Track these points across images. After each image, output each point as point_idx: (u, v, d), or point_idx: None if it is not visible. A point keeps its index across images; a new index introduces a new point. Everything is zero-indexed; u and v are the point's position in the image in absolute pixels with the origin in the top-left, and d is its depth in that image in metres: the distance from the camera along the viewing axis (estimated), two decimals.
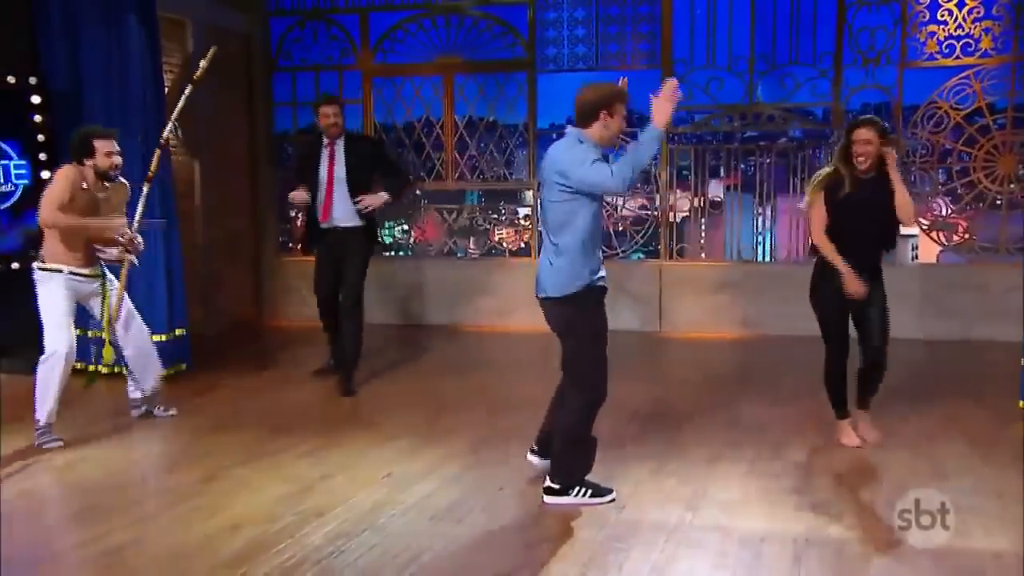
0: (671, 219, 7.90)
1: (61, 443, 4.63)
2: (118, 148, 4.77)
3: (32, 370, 4.74)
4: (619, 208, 8.14)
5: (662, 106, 3.49)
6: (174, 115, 5.19)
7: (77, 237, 4.73)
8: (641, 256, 8.07)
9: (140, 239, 4.90)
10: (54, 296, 4.67)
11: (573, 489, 3.78)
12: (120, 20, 5.97)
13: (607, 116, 3.60)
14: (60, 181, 4.65)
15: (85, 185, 4.69)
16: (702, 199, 7.92)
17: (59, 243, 4.70)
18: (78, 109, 6.09)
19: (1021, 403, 5.02)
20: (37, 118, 6.06)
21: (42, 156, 6.08)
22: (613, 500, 3.77)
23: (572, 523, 3.56)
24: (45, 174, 6.01)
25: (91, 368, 5.96)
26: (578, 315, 3.68)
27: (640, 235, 8.01)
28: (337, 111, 5.75)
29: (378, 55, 8.33)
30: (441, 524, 3.56)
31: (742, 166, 7.88)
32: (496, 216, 8.72)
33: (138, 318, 5.05)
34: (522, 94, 8.06)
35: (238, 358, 6.85)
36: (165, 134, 5.22)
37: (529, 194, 8.36)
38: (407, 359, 6.87)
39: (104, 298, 4.88)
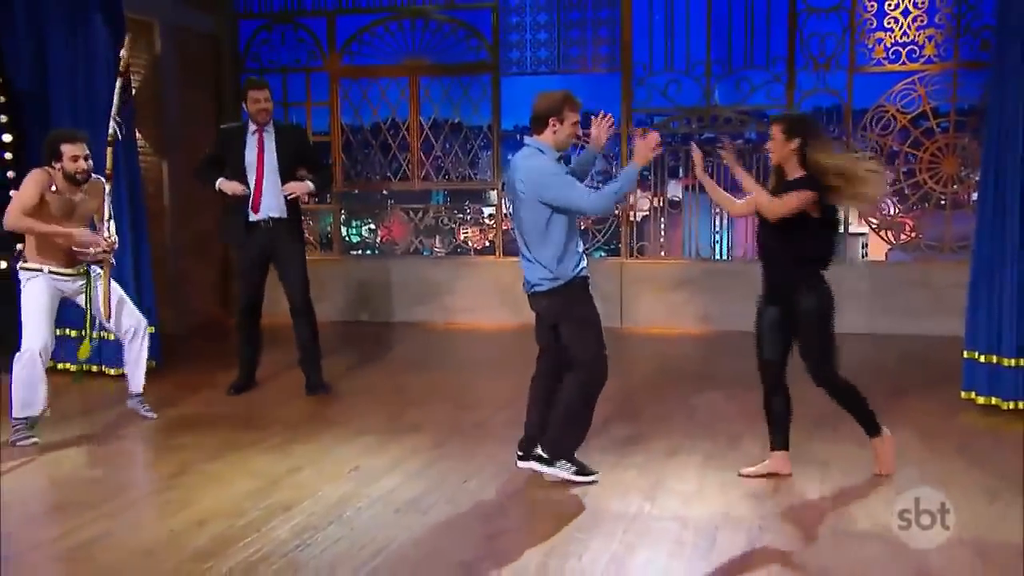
0: (631, 218, 8.07)
1: (36, 442, 4.67)
2: (86, 152, 4.76)
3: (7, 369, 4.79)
4: None
5: (644, 151, 3.84)
6: (113, 111, 5.09)
7: (50, 239, 4.76)
8: (602, 254, 8.22)
9: (115, 238, 4.94)
10: (33, 295, 4.74)
11: (560, 461, 3.96)
12: (86, 21, 5.97)
13: (556, 122, 3.84)
14: (28, 185, 4.69)
15: (55, 188, 4.72)
16: (661, 199, 8.09)
17: (39, 242, 4.76)
18: (45, 110, 6.11)
19: (963, 394, 5.21)
20: (2, 119, 6.06)
21: (7, 156, 6.08)
22: (595, 482, 3.94)
23: (534, 514, 3.68)
24: (11, 174, 6.03)
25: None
26: (565, 306, 3.93)
27: (601, 234, 8.17)
28: (268, 96, 5.44)
29: (345, 57, 8.40)
30: (406, 516, 3.62)
31: None
32: (461, 215, 8.84)
33: (129, 305, 5.10)
34: (486, 96, 8.19)
35: (207, 356, 6.87)
36: (110, 132, 5.09)
37: (493, 194, 8.49)
38: (374, 356, 6.93)
39: (88, 296, 4.92)
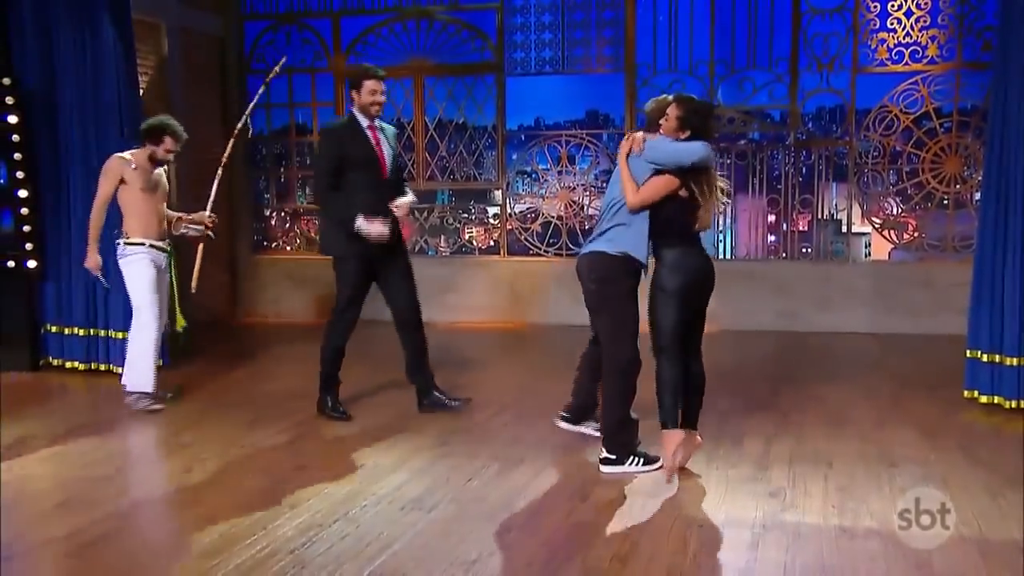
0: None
1: (161, 407, 5.16)
2: (178, 148, 5.22)
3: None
4: (586, 207, 8.33)
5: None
6: (250, 108, 5.72)
7: (148, 211, 5.16)
8: None
9: (215, 217, 5.48)
10: (140, 273, 5.14)
11: (627, 459, 4.16)
12: (94, 22, 6.01)
13: (664, 120, 4.09)
14: (102, 183, 5.18)
15: (135, 166, 5.13)
16: None
17: (134, 218, 5.13)
18: (52, 110, 6.15)
19: (966, 393, 5.22)
20: (11, 119, 6.10)
21: (16, 156, 6.13)
22: (661, 467, 4.10)
23: (538, 512, 3.68)
24: (20, 174, 6.09)
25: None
26: (599, 281, 4.12)
27: None
28: (384, 88, 4.90)
29: (350, 58, 8.44)
30: (411, 514, 3.63)
31: None
32: (466, 215, 8.87)
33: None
34: (491, 96, 8.23)
35: (214, 354, 6.90)
36: (240, 124, 5.70)
37: (498, 194, 8.52)
38: (379, 355, 6.93)
39: (171, 272, 5.35)
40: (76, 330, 6.20)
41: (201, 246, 5.46)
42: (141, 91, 6.65)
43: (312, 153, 8.62)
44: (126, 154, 5.19)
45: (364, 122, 4.88)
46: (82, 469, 4.31)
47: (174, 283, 5.40)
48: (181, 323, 5.47)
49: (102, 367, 6.16)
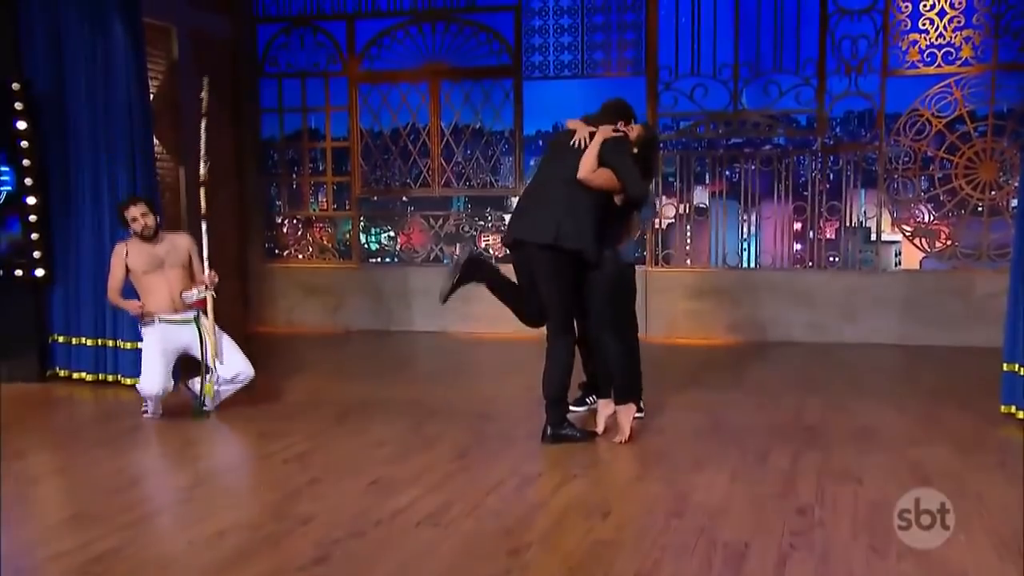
0: (656, 225, 7.96)
1: (149, 416, 5.21)
2: (144, 211, 5.26)
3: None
4: None
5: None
6: (202, 152, 5.50)
7: (156, 289, 5.26)
8: None
9: (215, 276, 5.36)
10: (148, 342, 5.24)
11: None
12: (104, 26, 5.97)
13: None
14: (111, 266, 5.34)
15: (127, 253, 5.28)
16: (687, 206, 7.98)
17: (144, 297, 5.28)
18: (62, 115, 6.10)
19: (1003, 408, 5.05)
20: (21, 124, 6.04)
21: (25, 162, 6.07)
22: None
23: (558, 528, 3.59)
24: (29, 180, 6.03)
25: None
26: None
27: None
28: None
29: (364, 61, 8.38)
30: (426, 530, 3.56)
31: (727, 173, 7.96)
32: (482, 223, 8.77)
33: (239, 353, 5.40)
34: (508, 101, 8.14)
35: None
36: (202, 173, 5.53)
37: (515, 200, 8.39)
38: (394, 366, 6.90)
39: (201, 340, 5.27)
40: (84, 340, 6.12)
41: (210, 310, 5.30)
42: (152, 95, 6.58)
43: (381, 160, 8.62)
44: (124, 242, 5.33)
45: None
46: (90, 481, 4.25)
47: (205, 352, 5.26)
48: (210, 391, 5.27)
49: (110, 378, 6.09)
